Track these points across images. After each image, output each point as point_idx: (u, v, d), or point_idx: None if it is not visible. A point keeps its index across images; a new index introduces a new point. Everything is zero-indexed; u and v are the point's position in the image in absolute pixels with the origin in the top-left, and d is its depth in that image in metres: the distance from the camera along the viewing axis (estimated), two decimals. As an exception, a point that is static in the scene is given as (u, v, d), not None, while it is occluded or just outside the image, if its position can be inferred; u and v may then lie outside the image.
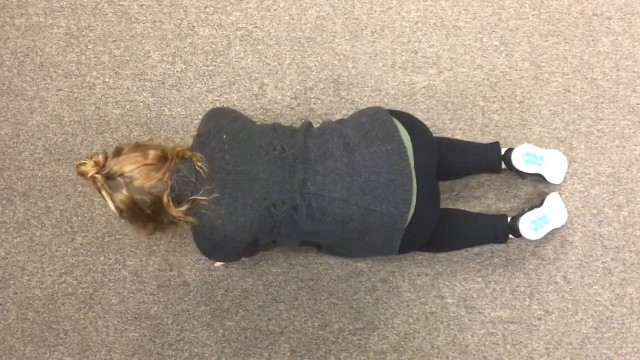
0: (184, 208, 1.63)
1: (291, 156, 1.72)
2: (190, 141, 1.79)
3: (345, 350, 2.15)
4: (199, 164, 1.65)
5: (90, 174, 1.61)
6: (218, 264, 2.16)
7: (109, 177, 1.61)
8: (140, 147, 1.69)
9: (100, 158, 1.64)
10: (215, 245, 1.73)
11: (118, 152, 1.67)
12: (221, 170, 1.67)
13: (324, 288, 2.17)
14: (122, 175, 1.60)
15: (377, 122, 1.79)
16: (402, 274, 2.16)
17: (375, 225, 1.73)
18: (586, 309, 2.12)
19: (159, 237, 2.22)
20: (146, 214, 1.66)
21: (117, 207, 1.64)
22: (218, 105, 2.26)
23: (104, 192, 1.63)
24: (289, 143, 1.75)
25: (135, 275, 2.22)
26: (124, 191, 1.61)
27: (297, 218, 1.72)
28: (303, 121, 1.91)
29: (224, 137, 1.71)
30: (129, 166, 1.61)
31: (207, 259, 2.08)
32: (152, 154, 1.66)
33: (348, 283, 2.17)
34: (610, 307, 2.12)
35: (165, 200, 1.63)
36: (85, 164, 1.64)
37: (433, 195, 1.82)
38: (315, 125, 1.89)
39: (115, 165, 1.62)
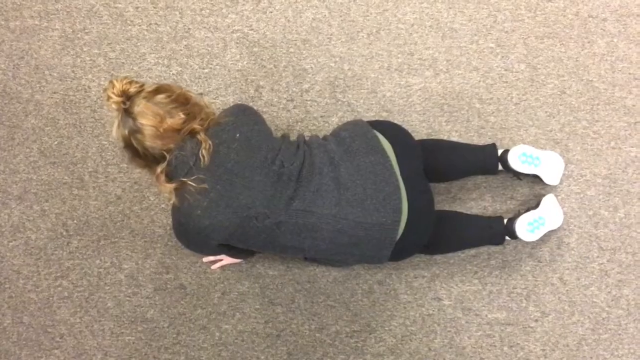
0: (171, 185, 1.64)
1: (287, 173, 1.72)
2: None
3: (342, 353, 2.15)
4: (203, 150, 1.64)
5: (111, 101, 1.57)
6: (214, 266, 2.16)
7: (126, 112, 1.59)
8: (171, 104, 1.63)
9: (132, 90, 1.59)
10: (185, 231, 1.73)
11: (153, 94, 1.61)
12: (220, 165, 1.66)
13: (320, 290, 2.17)
14: (134, 119, 1.58)
15: (358, 135, 1.81)
16: (399, 276, 2.16)
17: (366, 237, 1.73)
18: (582, 310, 2.12)
19: (154, 239, 2.21)
20: (139, 154, 1.65)
21: (117, 135, 1.63)
22: (213, 107, 2.25)
23: (113, 118, 1.61)
24: (290, 160, 1.75)
25: (131, 278, 2.21)
26: (127, 132, 1.59)
27: (279, 233, 1.72)
28: (298, 135, 1.91)
29: (237, 135, 1.70)
30: (144, 119, 1.58)
31: (178, 242, 2.07)
32: (170, 122, 1.61)
33: (345, 285, 2.17)
34: (607, 309, 2.12)
35: (157, 171, 1.64)
36: (114, 86, 1.58)
37: (425, 198, 1.82)
38: (306, 133, 1.88)
39: (137, 107, 1.58)
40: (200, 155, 1.63)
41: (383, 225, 1.72)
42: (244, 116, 1.78)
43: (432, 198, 1.86)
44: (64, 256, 2.24)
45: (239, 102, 1.85)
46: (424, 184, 1.85)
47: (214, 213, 1.66)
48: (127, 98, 1.58)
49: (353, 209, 1.71)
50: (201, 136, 1.65)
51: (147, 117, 1.59)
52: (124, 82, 1.59)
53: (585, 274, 2.13)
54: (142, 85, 1.63)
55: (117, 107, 1.58)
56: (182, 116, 1.63)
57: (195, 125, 1.65)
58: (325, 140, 1.85)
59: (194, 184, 1.63)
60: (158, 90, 1.63)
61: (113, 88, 1.58)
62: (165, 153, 1.63)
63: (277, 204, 1.69)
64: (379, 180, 1.72)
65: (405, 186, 1.75)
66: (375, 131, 1.82)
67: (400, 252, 1.83)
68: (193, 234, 1.72)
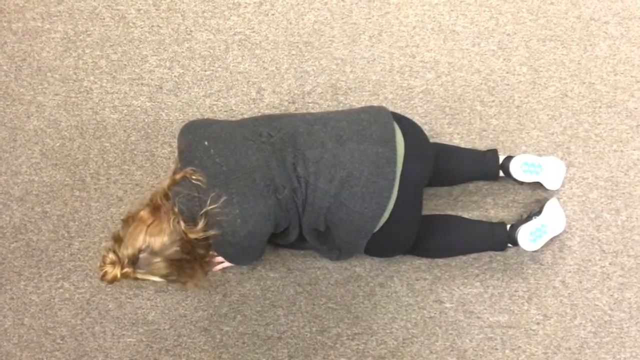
0: (200, 226, 1.62)
1: (279, 140, 1.71)
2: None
3: (343, 355, 2.14)
4: (193, 177, 1.64)
5: (120, 274, 1.59)
6: (215, 268, 2.15)
7: (133, 262, 1.59)
8: (130, 219, 1.66)
9: (112, 256, 1.61)
10: (240, 246, 1.72)
11: (119, 239, 1.64)
12: (217, 174, 1.66)
13: (321, 292, 2.17)
14: (140, 251, 1.59)
15: (377, 122, 1.78)
16: (401, 279, 2.16)
17: (346, 221, 1.73)
18: (584, 313, 2.12)
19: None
20: (186, 261, 1.64)
21: (162, 276, 1.63)
22: (215, 110, 2.25)
23: (140, 276, 1.61)
24: (274, 128, 1.74)
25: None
26: (154, 259, 1.60)
27: (297, 203, 1.72)
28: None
29: (206, 143, 1.71)
30: (138, 240, 1.59)
31: (236, 264, 2.08)
32: (145, 213, 1.64)
33: (346, 287, 2.16)
34: (609, 312, 2.12)
35: (182, 227, 1.61)
36: (106, 272, 1.61)
37: (413, 208, 1.80)
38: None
39: (127, 250, 1.59)
40: (195, 182, 1.64)
41: (363, 215, 1.71)
42: (195, 128, 1.79)
43: (420, 209, 1.83)
44: (65, 258, 2.24)
45: (182, 125, 1.87)
46: (419, 193, 1.83)
47: (250, 211, 1.66)
48: (119, 259, 1.60)
49: (342, 189, 1.70)
50: (178, 176, 1.66)
51: (136, 237, 1.60)
52: (103, 263, 1.62)
53: (587, 277, 2.13)
54: (107, 249, 1.64)
55: (127, 270, 1.59)
56: (145, 209, 1.65)
57: (164, 184, 1.67)
58: (337, 115, 1.82)
59: (215, 205, 1.62)
60: (116, 236, 1.65)
61: (109, 274, 1.60)
62: (177, 222, 1.61)
63: (284, 171, 1.69)
64: (378, 172, 1.71)
65: (399, 188, 1.73)
66: (395, 124, 1.79)
67: (379, 249, 1.84)
68: (249, 242, 1.72)
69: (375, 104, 2.23)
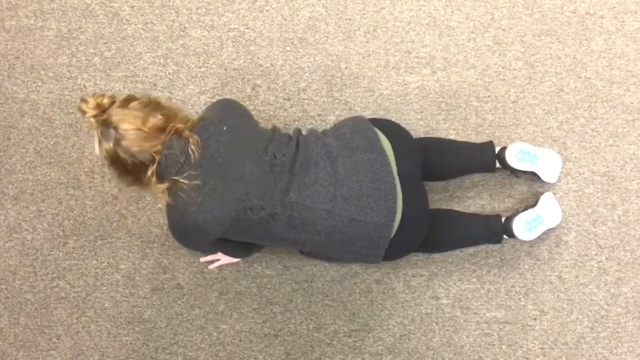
0: (163, 185, 1.63)
1: (280, 164, 1.72)
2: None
3: (340, 352, 2.14)
4: (192, 146, 1.63)
5: (88, 115, 1.57)
6: (211, 266, 2.15)
7: (104, 124, 1.58)
8: (147, 108, 1.63)
9: (105, 101, 1.59)
10: (183, 229, 1.72)
11: (126, 102, 1.62)
12: (211, 159, 1.66)
13: (318, 290, 2.16)
14: (116, 128, 1.57)
15: (358, 132, 1.80)
16: (397, 275, 2.15)
17: (360, 235, 1.73)
18: (581, 308, 2.12)
19: (151, 239, 2.20)
20: (126, 168, 1.64)
21: (100, 151, 1.62)
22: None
23: (95, 137, 1.60)
24: (282, 151, 1.74)
25: (128, 278, 2.21)
26: (111, 144, 1.58)
27: (274, 225, 1.71)
28: (294, 129, 1.90)
29: (225, 128, 1.70)
30: (126, 124, 1.58)
31: (176, 241, 2.07)
32: (152, 122, 1.61)
33: (342, 284, 2.16)
34: (605, 307, 2.11)
35: (149, 173, 1.62)
36: (87, 102, 1.58)
37: (419, 200, 1.81)
38: (303, 130, 1.88)
39: (114, 116, 1.58)
40: (189, 151, 1.63)
41: (377, 224, 1.71)
42: (228, 109, 1.78)
43: (427, 200, 1.85)
44: (60, 257, 2.23)
45: (223, 98, 1.85)
46: (420, 185, 1.85)
47: (209, 208, 1.65)
48: (103, 110, 1.58)
49: (348, 206, 1.70)
50: (187, 133, 1.64)
51: (127, 121, 1.58)
52: (96, 96, 1.59)
53: (583, 272, 2.13)
54: (114, 96, 1.63)
55: (95, 119, 1.57)
56: (160, 117, 1.63)
57: (179, 125, 1.65)
58: (324, 135, 1.84)
59: (186, 181, 1.62)
60: (129, 98, 1.64)
61: (87, 104, 1.58)
62: (154, 155, 1.62)
63: (271, 195, 1.69)
64: (376, 178, 1.72)
65: (402, 186, 1.74)
66: (375, 129, 1.81)
67: (395, 252, 1.83)
68: (190, 231, 1.71)
69: (370, 100, 2.22)
